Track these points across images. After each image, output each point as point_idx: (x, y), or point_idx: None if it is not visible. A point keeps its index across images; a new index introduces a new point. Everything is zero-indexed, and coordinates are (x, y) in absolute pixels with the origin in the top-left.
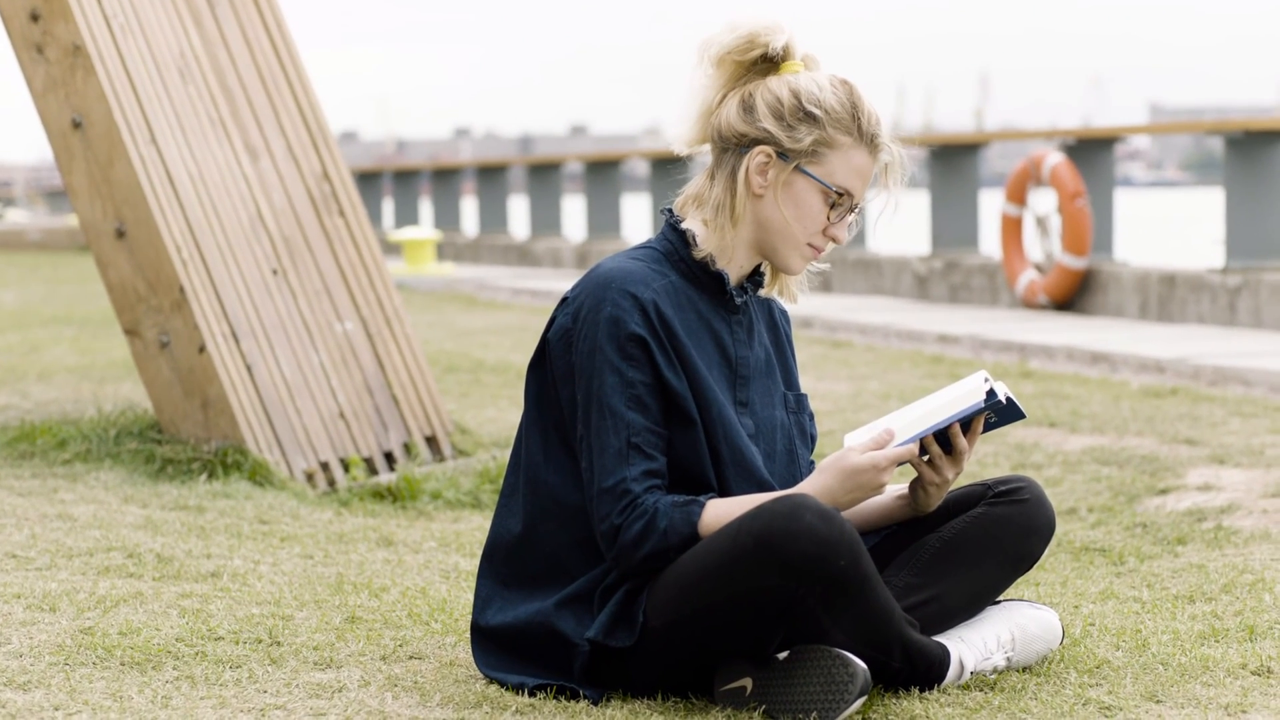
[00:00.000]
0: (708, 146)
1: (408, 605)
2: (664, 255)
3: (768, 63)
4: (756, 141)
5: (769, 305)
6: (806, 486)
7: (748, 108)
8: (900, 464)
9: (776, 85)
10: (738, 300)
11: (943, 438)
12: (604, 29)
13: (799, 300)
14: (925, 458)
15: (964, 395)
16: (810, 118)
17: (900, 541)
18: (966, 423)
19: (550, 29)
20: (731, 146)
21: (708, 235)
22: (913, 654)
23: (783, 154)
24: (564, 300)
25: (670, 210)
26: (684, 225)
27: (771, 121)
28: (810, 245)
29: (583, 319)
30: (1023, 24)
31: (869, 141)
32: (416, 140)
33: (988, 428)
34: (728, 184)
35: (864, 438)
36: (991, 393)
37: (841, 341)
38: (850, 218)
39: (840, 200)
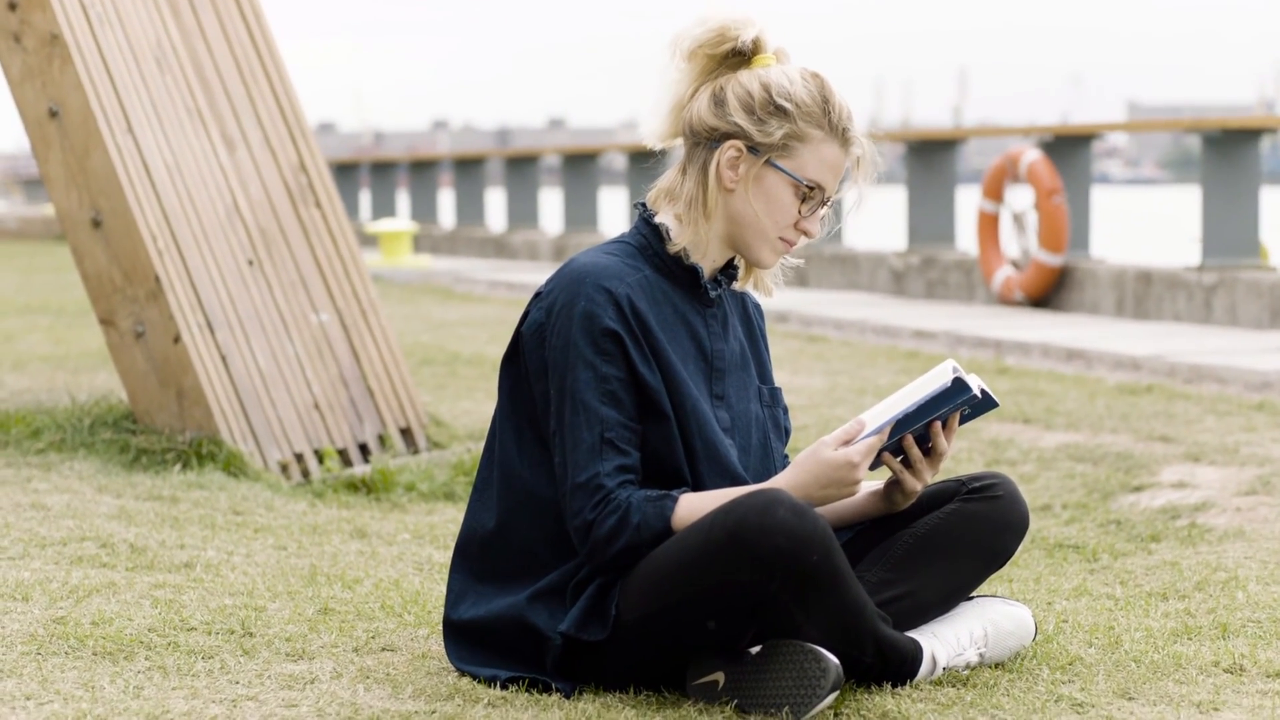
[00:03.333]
0: (681, 140)
1: (381, 597)
2: (638, 250)
3: (739, 56)
4: (727, 135)
5: (742, 299)
6: (780, 481)
7: (718, 101)
8: (874, 454)
9: (747, 79)
10: (712, 294)
11: (922, 440)
12: (581, 20)
13: (774, 294)
14: (900, 457)
15: (931, 379)
16: (781, 111)
17: (873, 537)
18: (942, 418)
19: (527, 20)
20: (703, 140)
21: (681, 230)
22: (885, 649)
23: (753, 148)
24: (537, 295)
25: (643, 204)
26: (657, 219)
27: (742, 115)
28: (782, 239)
29: (556, 314)
30: (1001, 18)
31: (840, 135)
32: (394, 132)
33: (963, 420)
34: (699, 178)
35: (838, 436)
36: (960, 380)
37: (817, 336)
38: (822, 211)
39: (811, 194)
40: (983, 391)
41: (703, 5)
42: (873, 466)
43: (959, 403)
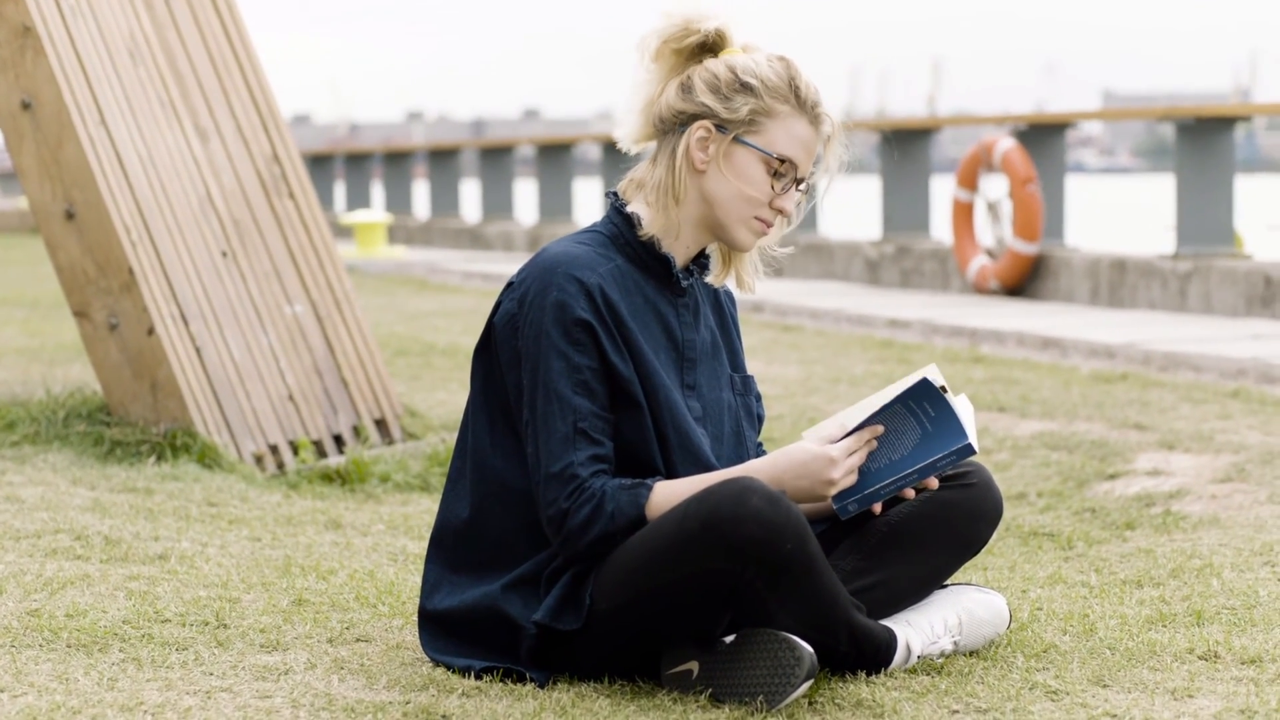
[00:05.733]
0: (654, 141)
1: (355, 588)
2: (610, 239)
3: (705, 52)
4: (695, 117)
5: (714, 287)
6: (755, 467)
7: (686, 88)
8: (852, 455)
9: (714, 64)
10: (683, 283)
11: (914, 484)
12: (556, 9)
13: (755, 290)
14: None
15: (905, 379)
16: (746, 88)
17: (847, 526)
18: (939, 472)
19: (502, 9)
20: (671, 127)
21: (653, 217)
22: (859, 638)
23: (721, 126)
24: (509, 285)
25: (615, 194)
26: (629, 208)
27: (709, 95)
28: (757, 218)
29: (528, 304)
30: (976, 7)
31: (809, 110)
32: (369, 123)
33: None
34: (669, 163)
35: (819, 433)
36: (927, 380)
37: (792, 325)
38: (796, 193)
39: (783, 169)
40: (943, 386)
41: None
42: (864, 507)
43: (952, 451)
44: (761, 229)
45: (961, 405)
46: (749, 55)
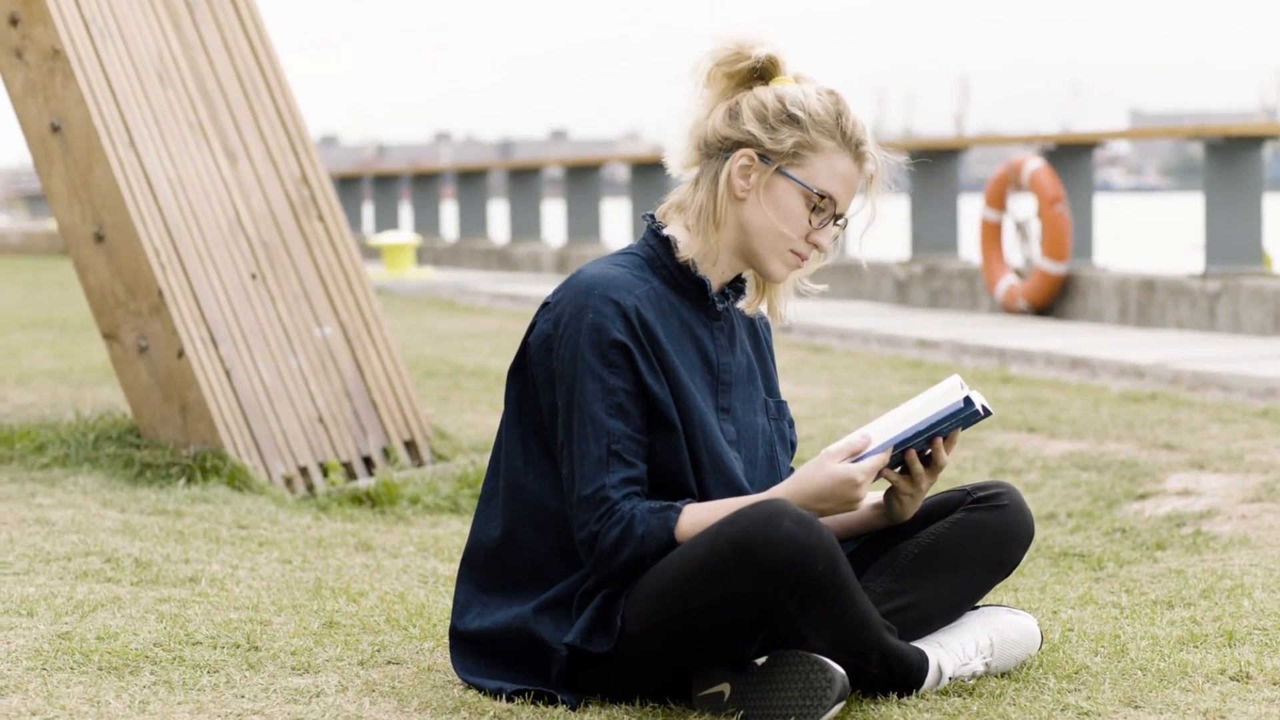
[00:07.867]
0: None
1: (386, 610)
2: (646, 261)
3: (757, 77)
4: (739, 144)
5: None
6: (781, 490)
7: (733, 114)
8: (877, 472)
9: (763, 92)
10: (719, 306)
11: (920, 451)
12: (583, 29)
13: (786, 320)
14: (899, 469)
15: (939, 397)
16: (793, 120)
17: (878, 547)
18: (944, 433)
19: (529, 30)
20: (716, 152)
21: (690, 240)
22: (891, 659)
23: (764, 156)
24: (545, 305)
25: (652, 216)
26: (666, 231)
27: (755, 124)
28: (793, 251)
29: (564, 325)
30: (1003, 20)
31: (853, 148)
32: (396, 145)
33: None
34: (710, 188)
35: (846, 448)
36: (969, 400)
37: (821, 346)
38: (834, 228)
39: (822, 204)
40: (984, 407)
41: (715, 24)
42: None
43: (961, 418)
44: (796, 262)
45: (976, 396)
46: (799, 86)
